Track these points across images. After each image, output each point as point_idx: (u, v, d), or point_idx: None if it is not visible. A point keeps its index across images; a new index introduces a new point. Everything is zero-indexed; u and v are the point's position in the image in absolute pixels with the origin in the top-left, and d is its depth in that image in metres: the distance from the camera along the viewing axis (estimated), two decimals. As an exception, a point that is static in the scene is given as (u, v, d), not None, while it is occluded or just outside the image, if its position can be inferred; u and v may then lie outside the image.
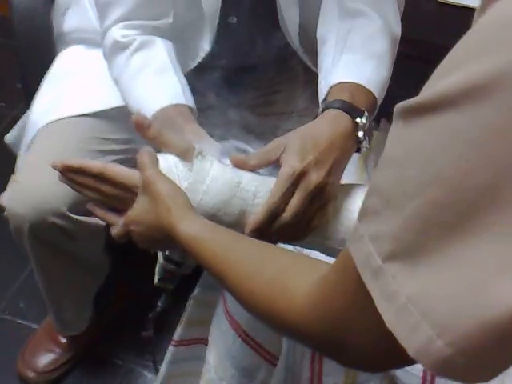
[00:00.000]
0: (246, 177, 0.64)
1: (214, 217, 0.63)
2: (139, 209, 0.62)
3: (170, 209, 0.59)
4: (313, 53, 0.93)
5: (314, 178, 0.65)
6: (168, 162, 0.64)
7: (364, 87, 0.74)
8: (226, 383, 0.80)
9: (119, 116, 1.00)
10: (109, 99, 0.98)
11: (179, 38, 0.90)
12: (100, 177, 0.64)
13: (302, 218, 0.65)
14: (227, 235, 0.57)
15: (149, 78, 0.84)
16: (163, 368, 0.96)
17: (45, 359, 1.25)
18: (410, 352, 0.33)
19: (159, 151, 0.66)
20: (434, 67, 0.34)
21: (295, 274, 0.48)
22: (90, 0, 1.02)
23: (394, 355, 0.35)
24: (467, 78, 0.30)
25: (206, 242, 0.56)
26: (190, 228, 0.57)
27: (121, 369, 1.31)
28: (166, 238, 0.60)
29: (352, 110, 0.70)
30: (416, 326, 0.32)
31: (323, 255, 0.68)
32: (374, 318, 0.35)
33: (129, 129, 1.02)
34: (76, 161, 0.66)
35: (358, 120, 0.70)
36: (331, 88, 0.75)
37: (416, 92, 0.35)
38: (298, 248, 0.72)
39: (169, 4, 0.87)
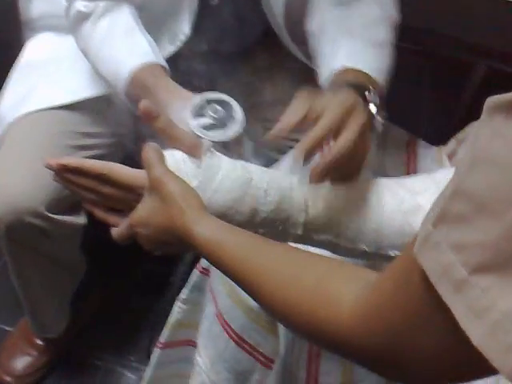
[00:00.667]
0: (257, 173, 0.61)
1: (224, 216, 0.59)
2: (147, 210, 0.57)
3: (183, 210, 0.54)
4: (297, 39, 0.91)
5: (362, 116, 0.61)
6: (176, 159, 0.60)
7: (368, 75, 0.72)
8: (220, 386, 0.78)
9: (95, 108, 0.96)
10: (82, 89, 0.94)
11: (156, 18, 0.86)
12: (101, 178, 0.59)
13: (354, 153, 0.60)
14: (251, 238, 0.53)
15: (116, 41, 0.81)
16: (148, 371, 0.93)
17: (22, 363, 1.21)
18: (504, 372, 0.30)
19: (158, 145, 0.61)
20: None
21: (337, 282, 0.44)
22: None
23: (464, 369, 0.33)
24: None
25: (228, 245, 0.52)
26: (208, 231, 0.53)
27: (100, 370, 1.28)
28: (179, 240, 0.55)
29: (360, 87, 0.67)
30: None
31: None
32: (444, 332, 0.33)
33: (106, 121, 0.99)
34: (74, 160, 0.60)
35: (367, 94, 0.67)
36: (334, 73, 0.73)
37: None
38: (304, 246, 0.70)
39: None
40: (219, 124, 0.70)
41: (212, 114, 0.70)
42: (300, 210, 0.61)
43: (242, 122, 0.70)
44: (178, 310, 0.86)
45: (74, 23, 0.85)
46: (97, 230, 1.03)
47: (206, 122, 0.70)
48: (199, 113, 0.70)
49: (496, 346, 0.30)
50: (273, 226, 0.61)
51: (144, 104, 0.59)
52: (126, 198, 0.60)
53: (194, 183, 0.59)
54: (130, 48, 0.80)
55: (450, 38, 1.02)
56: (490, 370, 0.30)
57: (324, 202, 0.62)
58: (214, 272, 0.77)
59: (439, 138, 0.96)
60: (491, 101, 0.31)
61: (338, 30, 0.79)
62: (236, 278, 0.51)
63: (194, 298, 0.85)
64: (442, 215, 0.33)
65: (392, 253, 0.63)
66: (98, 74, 0.85)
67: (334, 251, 0.64)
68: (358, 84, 0.67)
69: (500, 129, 0.30)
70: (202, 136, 0.68)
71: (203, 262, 0.82)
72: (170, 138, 0.61)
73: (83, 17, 0.84)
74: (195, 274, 0.83)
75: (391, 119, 0.96)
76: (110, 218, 0.63)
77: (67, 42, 0.96)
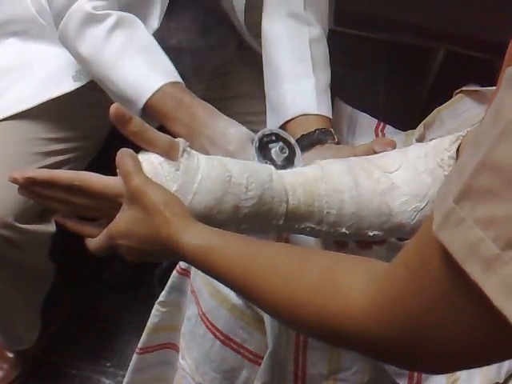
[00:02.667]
0: (235, 168, 0.60)
1: (207, 216, 0.58)
2: (127, 220, 0.55)
3: (168, 220, 0.53)
4: (257, 35, 0.92)
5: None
6: (153, 164, 0.57)
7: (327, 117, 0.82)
8: (207, 387, 0.77)
9: (55, 112, 0.93)
10: (36, 95, 0.91)
11: (125, 10, 0.84)
12: (72, 188, 0.56)
13: None
14: (243, 241, 0.52)
15: (138, 56, 0.79)
16: (127, 378, 0.92)
17: (-7, 377, 1.17)
18: None
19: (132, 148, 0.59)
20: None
21: (344, 274, 0.43)
22: None
23: (495, 352, 0.32)
24: None
25: (220, 250, 0.50)
26: (197, 238, 0.52)
27: (75, 378, 1.25)
28: (165, 250, 0.54)
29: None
30: None
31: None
32: (473, 315, 0.31)
33: (69, 125, 0.96)
34: (42, 172, 0.57)
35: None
36: (302, 116, 0.81)
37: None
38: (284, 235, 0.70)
39: None
40: (278, 162, 0.69)
41: (278, 152, 0.70)
42: (281, 201, 0.60)
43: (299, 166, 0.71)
44: (156, 313, 0.85)
45: (81, 24, 0.81)
46: (63, 234, 1.01)
47: (268, 157, 0.70)
48: (263, 144, 0.70)
49: None
50: (255, 219, 0.60)
51: (115, 106, 0.56)
52: (101, 206, 0.58)
53: (173, 187, 0.57)
54: (154, 64, 0.79)
55: (408, 25, 1.03)
56: None
57: (303, 190, 0.61)
58: (195, 273, 0.76)
59: (404, 123, 0.98)
60: None
61: (288, 46, 0.85)
62: (234, 283, 0.50)
63: (172, 300, 0.83)
64: (466, 190, 0.31)
65: (371, 233, 0.63)
66: (103, 81, 0.81)
67: (314, 236, 0.64)
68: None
69: None
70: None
71: (182, 263, 0.80)
72: (144, 141, 0.58)
73: (94, 19, 0.80)
74: (174, 275, 0.81)
75: (354, 106, 0.97)
76: (85, 229, 0.61)
77: (30, 49, 0.94)
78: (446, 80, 1.01)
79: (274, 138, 0.71)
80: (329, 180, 0.62)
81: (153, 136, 0.58)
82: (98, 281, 1.36)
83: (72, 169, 0.95)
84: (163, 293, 0.83)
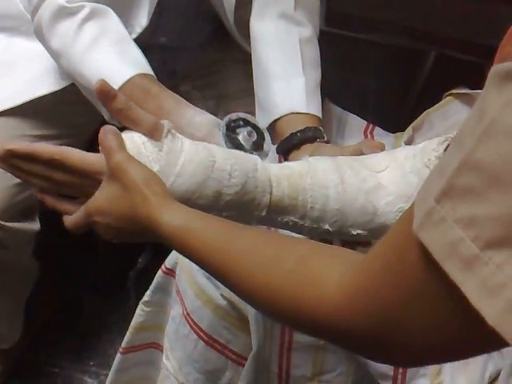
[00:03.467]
0: (220, 155, 0.59)
1: (187, 200, 0.56)
2: (106, 197, 0.54)
3: (148, 198, 0.51)
4: (246, 34, 0.92)
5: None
6: (136, 143, 0.56)
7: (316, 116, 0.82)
8: (189, 388, 0.76)
9: (42, 110, 0.93)
10: (24, 93, 0.90)
11: (113, 7, 0.83)
12: (54, 163, 0.55)
13: None
14: (223, 224, 0.51)
15: (108, 48, 0.78)
16: (110, 377, 0.90)
17: (-26, 378, 1.16)
18: None
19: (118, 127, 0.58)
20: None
21: (321, 262, 0.42)
22: None
23: (469, 347, 0.32)
24: None
25: (200, 233, 0.49)
26: (176, 219, 0.50)
27: (58, 377, 1.24)
28: (143, 229, 0.52)
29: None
30: None
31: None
32: (450, 312, 0.31)
33: (57, 122, 0.95)
34: (23, 144, 0.56)
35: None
36: (292, 114, 0.81)
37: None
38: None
39: None
40: (247, 146, 0.69)
41: (246, 136, 0.69)
42: (264, 192, 0.60)
43: (269, 151, 0.71)
44: (140, 312, 0.84)
45: (52, 18, 0.80)
46: (47, 232, 1.00)
47: (236, 142, 0.69)
48: (231, 129, 0.70)
49: None
50: (237, 208, 0.59)
51: (100, 82, 0.55)
52: (81, 183, 0.56)
53: (155, 168, 0.56)
54: (125, 56, 0.78)
55: (398, 27, 1.03)
56: (499, 346, 0.29)
57: (288, 182, 0.61)
58: (181, 273, 0.75)
59: (394, 125, 0.98)
60: (501, 69, 0.29)
61: (277, 45, 0.85)
62: (211, 267, 0.48)
63: (157, 300, 0.82)
64: (448, 189, 0.31)
65: (354, 231, 0.62)
66: (73, 75, 0.81)
67: (297, 232, 0.63)
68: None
69: None
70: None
71: (167, 263, 0.79)
72: (128, 119, 0.57)
73: (66, 12, 0.79)
74: (159, 275, 0.81)
75: (343, 107, 0.96)
76: (63, 206, 0.60)
77: (17, 46, 0.93)
78: (436, 82, 1.01)
79: (241, 123, 0.71)
80: (315, 175, 0.61)
81: (137, 115, 0.57)
82: (83, 279, 1.35)
83: None
84: (148, 292, 0.82)
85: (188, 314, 0.74)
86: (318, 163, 0.63)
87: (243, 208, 0.59)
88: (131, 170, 0.53)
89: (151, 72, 0.78)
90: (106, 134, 0.55)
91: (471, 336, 0.31)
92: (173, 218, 0.51)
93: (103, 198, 0.54)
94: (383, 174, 0.63)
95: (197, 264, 0.51)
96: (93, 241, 1.18)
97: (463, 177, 0.30)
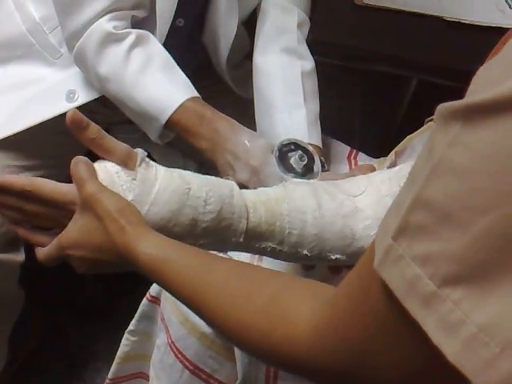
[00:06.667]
0: (195, 182, 0.59)
1: (163, 228, 0.56)
2: (79, 229, 0.53)
3: (123, 228, 0.51)
4: (235, 77, 0.97)
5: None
6: (109, 172, 0.56)
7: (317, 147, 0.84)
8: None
9: (26, 140, 0.92)
10: (25, 116, 0.90)
11: None
12: (25, 194, 0.55)
13: None
14: (198, 255, 0.51)
15: (158, 73, 0.81)
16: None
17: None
18: None
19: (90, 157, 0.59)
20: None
21: (293, 299, 0.42)
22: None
23: (438, 380, 0.32)
24: None
25: (174, 263, 0.49)
26: (150, 248, 0.50)
27: (45, 407, 1.22)
28: (119, 259, 0.52)
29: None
30: (494, 359, 0.28)
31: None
32: (412, 349, 0.31)
33: (40, 153, 0.95)
34: None
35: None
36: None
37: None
38: (248, 255, 0.69)
39: None
40: (298, 170, 0.73)
41: (298, 160, 0.73)
42: (241, 218, 0.59)
43: (319, 172, 0.74)
44: (125, 342, 0.83)
45: (100, 44, 0.81)
46: (33, 260, 0.99)
47: (288, 165, 0.73)
48: (284, 154, 0.74)
49: (474, 361, 0.28)
50: (214, 234, 0.59)
51: (72, 111, 0.55)
52: (53, 214, 0.56)
53: (129, 197, 0.55)
54: (174, 81, 0.81)
55: (382, 55, 1.05)
56: (466, 380, 0.29)
57: (265, 208, 0.61)
58: (165, 300, 0.75)
59: (378, 150, 0.99)
60: (444, 108, 0.30)
61: (280, 78, 0.88)
62: (184, 297, 0.48)
63: (143, 329, 0.82)
64: (403, 227, 0.31)
65: (333, 256, 0.63)
66: (123, 99, 0.83)
67: (275, 257, 0.63)
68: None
69: (458, 136, 0.29)
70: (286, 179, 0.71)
71: (152, 290, 0.79)
72: (101, 148, 0.56)
73: (114, 39, 0.81)
74: (144, 303, 0.80)
75: (327, 133, 0.97)
76: (36, 237, 0.59)
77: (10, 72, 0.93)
78: (418, 108, 1.02)
79: (292, 147, 0.74)
80: (291, 200, 0.62)
81: (110, 144, 0.56)
82: (70, 308, 1.34)
83: None
84: (133, 321, 0.82)
85: (173, 342, 0.73)
86: (294, 189, 0.63)
87: (220, 235, 0.59)
88: (104, 199, 0.52)
89: (198, 94, 0.80)
90: (77, 164, 0.55)
91: (438, 369, 0.31)
92: (148, 246, 0.50)
93: (76, 230, 0.54)
94: (360, 198, 0.63)
95: (171, 294, 0.51)
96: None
97: (416, 215, 0.31)
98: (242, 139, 0.76)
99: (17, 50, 0.94)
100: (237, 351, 0.68)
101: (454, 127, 0.29)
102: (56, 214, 0.56)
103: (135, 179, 0.56)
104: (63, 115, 0.86)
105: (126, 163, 0.56)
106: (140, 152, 0.58)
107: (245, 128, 0.78)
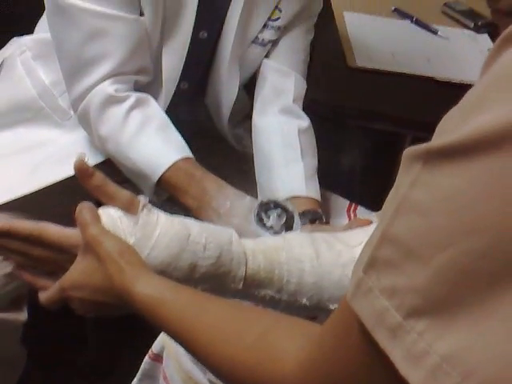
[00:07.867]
0: (195, 228, 0.61)
1: (163, 272, 0.57)
2: (80, 271, 0.55)
3: (122, 268, 0.53)
4: (235, 135, 1.01)
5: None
6: (112, 217, 0.58)
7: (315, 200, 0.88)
8: None
9: (27, 203, 0.93)
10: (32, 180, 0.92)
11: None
12: (31, 239, 0.56)
13: None
14: (194, 295, 0.52)
15: (154, 134, 0.85)
16: None
17: None
18: None
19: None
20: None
21: (281, 338, 0.44)
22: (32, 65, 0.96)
23: None
24: (508, 117, 0.27)
25: (170, 303, 0.50)
26: (148, 289, 0.51)
27: None
28: (118, 300, 0.53)
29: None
30: None
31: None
32: (387, 381, 0.32)
33: (41, 214, 0.96)
34: (2, 222, 0.57)
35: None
36: (292, 198, 0.86)
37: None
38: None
39: (148, 60, 0.88)
40: (277, 228, 0.76)
41: (276, 218, 0.76)
42: (240, 264, 0.61)
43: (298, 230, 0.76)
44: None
45: (101, 106, 0.85)
46: (35, 319, 0.99)
47: (267, 223, 0.76)
48: (263, 212, 0.77)
49: None
50: (213, 280, 0.60)
51: (79, 161, 0.57)
52: (57, 259, 0.58)
53: (131, 241, 0.57)
54: (168, 141, 0.85)
55: (378, 114, 1.09)
56: None
57: (264, 256, 0.62)
58: (167, 358, 0.75)
59: (377, 204, 1.00)
60: (410, 151, 0.32)
61: (278, 135, 0.93)
62: (180, 337, 0.49)
63: (146, 386, 0.81)
64: (372, 261, 0.33)
65: (332, 306, 0.63)
66: (119, 159, 0.86)
67: (275, 307, 0.63)
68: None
69: (419, 177, 0.31)
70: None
71: (154, 348, 0.79)
72: (105, 195, 0.59)
73: (114, 101, 0.85)
74: (145, 361, 0.80)
75: (327, 187, 1.00)
76: (40, 282, 0.60)
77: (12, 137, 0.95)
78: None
79: (272, 205, 0.77)
80: (290, 249, 0.63)
81: (114, 190, 0.59)
82: (71, 367, 1.32)
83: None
84: (135, 380, 0.81)
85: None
86: (293, 238, 0.65)
87: (219, 281, 0.60)
88: (106, 242, 0.54)
89: (191, 155, 0.84)
90: (82, 209, 0.57)
91: None
92: (146, 287, 0.52)
93: (77, 272, 0.55)
94: (358, 249, 0.65)
95: (167, 333, 0.51)
96: (80, 328, 1.17)
97: (383, 249, 0.32)
98: (227, 198, 0.78)
99: (27, 114, 0.97)
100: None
101: (415, 168, 0.31)
102: (60, 259, 0.58)
103: (136, 224, 0.58)
104: (72, 176, 0.88)
105: (129, 209, 0.58)
106: (142, 198, 0.60)
107: (232, 187, 0.80)
